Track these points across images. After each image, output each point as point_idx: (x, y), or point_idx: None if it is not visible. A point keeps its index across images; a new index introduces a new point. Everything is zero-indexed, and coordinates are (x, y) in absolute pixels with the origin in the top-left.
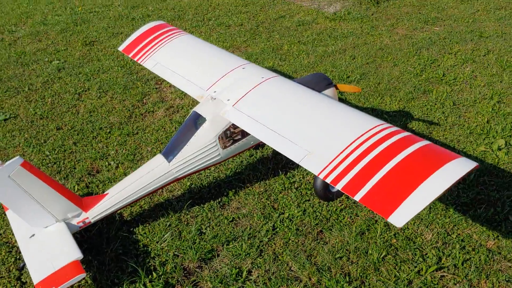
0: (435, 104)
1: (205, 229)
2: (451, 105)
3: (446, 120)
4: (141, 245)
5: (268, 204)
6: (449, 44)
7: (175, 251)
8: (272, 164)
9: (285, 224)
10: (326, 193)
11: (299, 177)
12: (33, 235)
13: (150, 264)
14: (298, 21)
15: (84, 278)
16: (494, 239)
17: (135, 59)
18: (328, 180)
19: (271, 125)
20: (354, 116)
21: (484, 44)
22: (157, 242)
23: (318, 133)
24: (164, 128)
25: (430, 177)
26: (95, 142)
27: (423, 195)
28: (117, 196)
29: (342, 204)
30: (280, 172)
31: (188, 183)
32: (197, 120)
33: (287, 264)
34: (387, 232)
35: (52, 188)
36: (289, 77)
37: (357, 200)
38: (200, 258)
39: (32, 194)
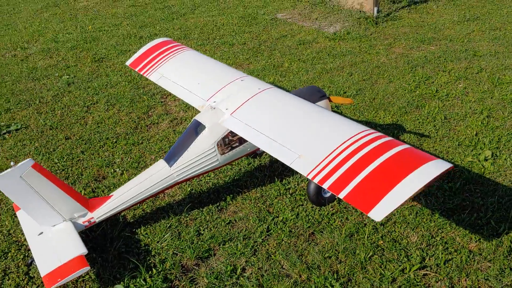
0: (427, 118)
1: (203, 230)
2: (442, 119)
3: (436, 133)
4: (143, 244)
5: (263, 208)
6: (443, 62)
7: (174, 250)
8: (268, 172)
9: (279, 227)
10: (319, 198)
11: (294, 184)
12: (41, 233)
13: (150, 261)
14: (299, 40)
15: (88, 272)
16: (476, 242)
17: (141, 73)
18: (316, 180)
19: (266, 132)
20: (342, 123)
21: (478, 63)
22: (157, 242)
23: (308, 138)
24: (168, 138)
25: (408, 177)
26: (101, 151)
27: (400, 193)
28: (121, 197)
29: (334, 209)
30: (276, 179)
31: (189, 189)
32: (197, 128)
33: (279, 263)
34: (375, 234)
35: (60, 189)
36: (286, 90)
37: (341, 198)
38: (197, 257)
39: (42, 194)
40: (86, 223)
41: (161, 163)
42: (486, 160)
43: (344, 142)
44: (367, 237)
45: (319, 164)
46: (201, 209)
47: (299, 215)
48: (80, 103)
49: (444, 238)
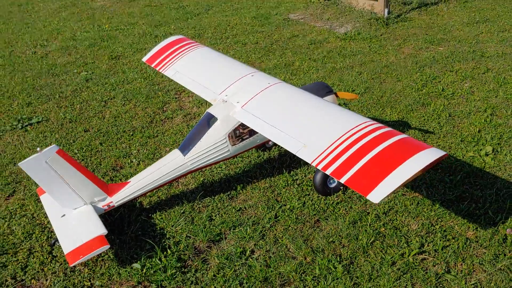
0: (432, 115)
1: (215, 216)
2: (446, 117)
3: (441, 129)
4: (158, 228)
5: (272, 197)
6: (451, 63)
7: (188, 233)
8: (277, 164)
9: (286, 214)
10: (325, 188)
11: (301, 175)
12: (64, 215)
13: (165, 243)
14: (310, 40)
15: (108, 249)
16: (473, 230)
17: (157, 69)
18: (320, 167)
19: (274, 123)
20: (345, 115)
21: (485, 63)
22: (172, 226)
23: (313, 129)
24: (182, 132)
25: (404, 163)
26: (119, 143)
27: (396, 177)
28: (138, 184)
29: (339, 198)
30: (284, 171)
31: (201, 178)
32: (210, 120)
33: (286, 246)
34: (377, 222)
35: (82, 174)
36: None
37: (343, 182)
38: (209, 240)
39: (65, 179)
40: (106, 207)
41: (176, 152)
42: (487, 155)
43: (346, 132)
44: (370, 224)
45: (323, 152)
46: (213, 197)
47: (306, 203)
48: (98, 98)
49: (443, 226)
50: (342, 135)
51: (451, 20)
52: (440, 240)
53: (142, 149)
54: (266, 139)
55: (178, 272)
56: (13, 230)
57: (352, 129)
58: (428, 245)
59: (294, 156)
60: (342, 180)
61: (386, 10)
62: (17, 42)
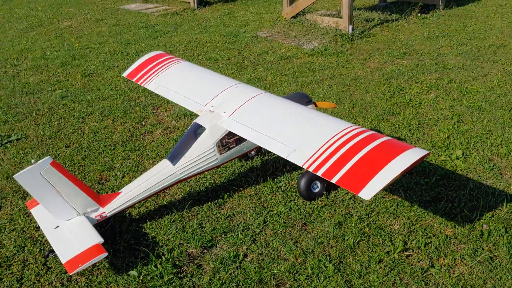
0: (403, 123)
1: (205, 223)
2: (416, 124)
3: (412, 136)
4: (150, 237)
5: (258, 204)
6: (416, 75)
7: (180, 241)
8: (261, 172)
9: (274, 219)
10: (309, 193)
11: (284, 182)
12: (58, 226)
13: (159, 251)
14: (280, 56)
15: (106, 258)
16: (451, 228)
17: (139, 83)
18: (311, 169)
19: (262, 130)
20: (330, 120)
21: (447, 75)
22: (164, 234)
23: (301, 134)
24: (163, 145)
25: (391, 162)
26: (101, 157)
27: (385, 175)
28: (129, 194)
29: (322, 203)
30: (268, 178)
31: (188, 188)
32: (198, 130)
33: (277, 249)
34: (361, 223)
35: (75, 185)
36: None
37: (334, 182)
38: (202, 246)
39: (59, 190)
40: (98, 217)
41: (165, 162)
42: (457, 158)
43: (334, 136)
44: (354, 225)
45: (313, 155)
46: (201, 206)
47: (292, 208)
48: (75, 114)
49: (423, 225)
50: (330, 139)
51: (412, 35)
52: (422, 238)
53: (125, 163)
54: (251, 148)
55: (174, 278)
56: (4, 244)
57: (339, 132)
58: (411, 243)
59: (277, 164)
60: (334, 180)
61: (351, 27)
62: None
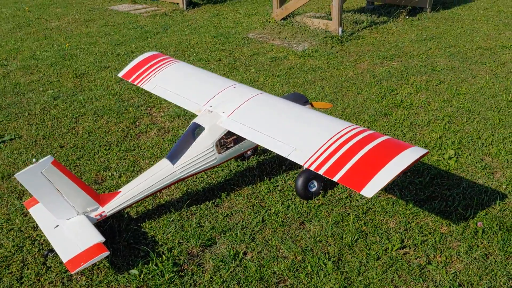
0: (395, 124)
1: (204, 222)
2: (408, 125)
3: (404, 136)
4: (149, 236)
5: (256, 203)
6: (406, 76)
7: (180, 240)
8: (257, 172)
9: (272, 218)
10: (306, 192)
11: (281, 182)
12: (57, 226)
13: (159, 250)
14: (271, 57)
15: (107, 257)
16: (446, 226)
17: (135, 83)
18: (312, 168)
19: (262, 130)
20: (330, 119)
21: (437, 76)
22: (163, 233)
23: (302, 133)
24: (158, 145)
25: (392, 160)
26: (96, 157)
27: (386, 173)
28: (129, 193)
29: (319, 202)
30: (265, 178)
31: (185, 188)
32: (197, 129)
33: (276, 247)
34: (358, 221)
35: (76, 184)
36: None
37: (336, 181)
38: (201, 244)
39: (59, 189)
40: (98, 217)
41: (164, 162)
42: (450, 158)
43: (334, 135)
44: (352, 224)
45: (313, 154)
46: (199, 205)
47: (289, 207)
48: (69, 115)
49: (419, 223)
50: (330, 138)
51: (400, 37)
52: (418, 236)
53: (121, 163)
54: (249, 147)
55: (175, 276)
56: (2, 244)
57: (339, 132)
58: (408, 241)
59: (273, 164)
60: (335, 179)
61: (340, 29)
62: None
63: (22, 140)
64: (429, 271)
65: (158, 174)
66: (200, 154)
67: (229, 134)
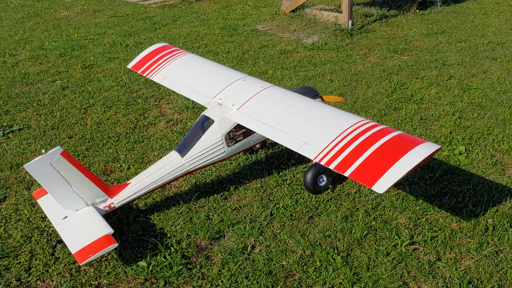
0: (405, 119)
1: (212, 215)
2: (418, 120)
3: (414, 131)
4: (158, 228)
5: (264, 196)
6: (416, 71)
7: (188, 232)
8: (266, 165)
9: (281, 212)
10: (315, 187)
11: (290, 176)
12: (66, 217)
13: (167, 242)
14: (280, 50)
15: (116, 248)
16: (456, 222)
17: (144, 75)
18: (322, 163)
19: (272, 123)
20: (341, 114)
21: (447, 71)
22: (171, 226)
23: (312, 127)
24: (167, 137)
25: (404, 156)
26: (105, 148)
27: (398, 169)
28: (138, 185)
29: (328, 196)
30: (273, 171)
31: (193, 181)
32: (206, 122)
33: (285, 241)
34: (367, 217)
35: (85, 176)
36: None
37: (347, 176)
38: (210, 237)
39: (68, 180)
40: (107, 208)
41: (174, 154)
42: (460, 154)
43: (345, 130)
44: (361, 219)
45: (324, 149)
46: (207, 198)
47: (298, 201)
48: (77, 105)
49: (428, 219)
50: (342, 132)
51: (411, 31)
52: (428, 232)
53: (130, 154)
54: (259, 140)
55: (184, 268)
56: (10, 234)
57: (350, 126)
58: (417, 237)
59: (281, 158)
60: (346, 174)
61: (350, 22)
62: None
63: (31, 130)
64: (439, 267)
65: (167, 167)
66: (209, 147)
67: (239, 127)
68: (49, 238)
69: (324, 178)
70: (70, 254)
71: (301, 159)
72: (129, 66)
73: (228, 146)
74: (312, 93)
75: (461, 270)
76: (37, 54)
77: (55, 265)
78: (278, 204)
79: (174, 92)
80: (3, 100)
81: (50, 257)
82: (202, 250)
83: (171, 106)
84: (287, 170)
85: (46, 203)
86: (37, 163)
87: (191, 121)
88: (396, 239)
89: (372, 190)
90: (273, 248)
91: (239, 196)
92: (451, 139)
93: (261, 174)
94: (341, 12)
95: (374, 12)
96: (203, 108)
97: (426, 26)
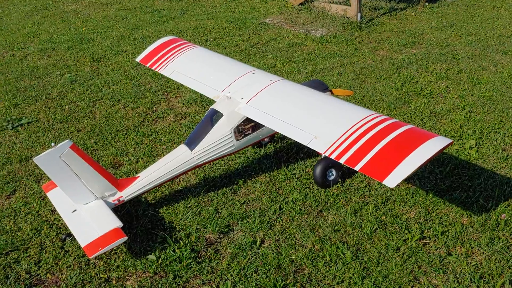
0: (415, 112)
1: (221, 209)
2: (428, 114)
3: (424, 125)
4: (167, 222)
5: (273, 190)
6: (425, 64)
7: (197, 226)
8: (274, 159)
9: (290, 206)
10: (324, 181)
11: (299, 170)
12: (75, 210)
13: (176, 235)
14: (288, 43)
15: (125, 242)
16: (467, 217)
17: (153, 68)
18: (333, 157)
19: (281, 117)
20: (351, 108)
21: (457, 65)
22: (180, 219)
23: (322, 121)
24: (175, 131)
25: (415, 150)
26: (114, 141)
27: (409, 163)
28: (147, 178)
29: (338, 190)
30: (282, 165)
31: (202, 174)
32: (215, 116)
33: (294, 236)
34: (377, 211)
35: (94, 169)
36: None
37: (358, 170)
38: (219, 231)
39: (77, 173)
40: (116, 202)
41: (183, 148)
42: (471, 148)
43: (356, 123)
44: (371, 213)
45: (334, 143)
46: (216, 192)
47: (307, 195)
48: (86, 99)
49: (439, 214)
50: (352, 126)
51: (420, 24)
52: (438, 226)
53: (138, 147)
54: (268, 134)
55: (193, 262)
56: (20, 227)
57: (360, 120)
58: (428, 231)
59: (290, 151)
60: (357, 168)
61: (359, 15)
62: None
63: (40, 123)
64: (450, 262)
65: (176, 160)
66: (218, 140)
67: (248, 120)
68: (58, 232)
69: (334, 172)
70: (79, 247)
71: (310, 153)
72: (138, 59)
73: (237, 139)
74: (322, 86)
75: (472, 265)
76: (46, 47)
77: (65, 258)
78: (287, 198)
79: (182, 85)
80: (12, 93)
81: (60, 250)
82: (211, 244)
83: (179, 99)
84: (296, 164)
85: (55, 196)
86: (46, 156)
87: (200, 114)
88: (406, 233)
89: (382, 184)
90: (282, 242)
91: (248, 190)
92: (462, 133)
93: (269, 168)
94: (350, 5)
95: (383, 5)
96: (211, 101)
97: (436, 19)
